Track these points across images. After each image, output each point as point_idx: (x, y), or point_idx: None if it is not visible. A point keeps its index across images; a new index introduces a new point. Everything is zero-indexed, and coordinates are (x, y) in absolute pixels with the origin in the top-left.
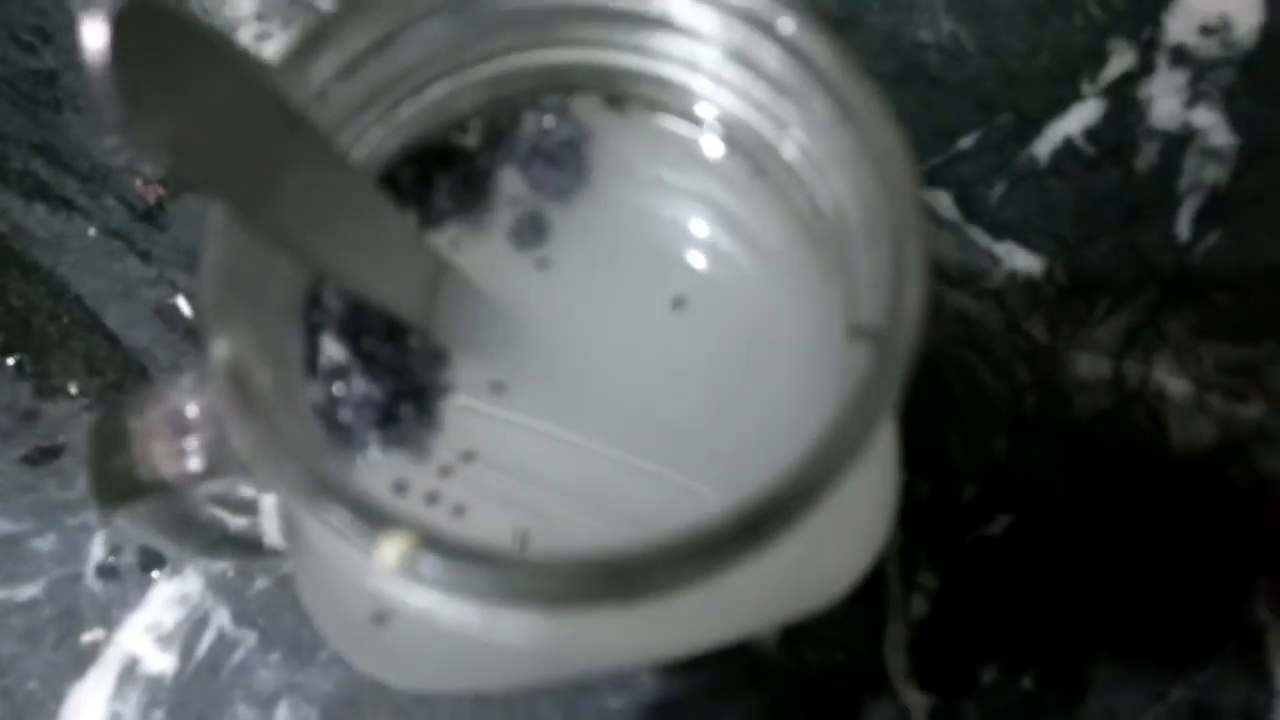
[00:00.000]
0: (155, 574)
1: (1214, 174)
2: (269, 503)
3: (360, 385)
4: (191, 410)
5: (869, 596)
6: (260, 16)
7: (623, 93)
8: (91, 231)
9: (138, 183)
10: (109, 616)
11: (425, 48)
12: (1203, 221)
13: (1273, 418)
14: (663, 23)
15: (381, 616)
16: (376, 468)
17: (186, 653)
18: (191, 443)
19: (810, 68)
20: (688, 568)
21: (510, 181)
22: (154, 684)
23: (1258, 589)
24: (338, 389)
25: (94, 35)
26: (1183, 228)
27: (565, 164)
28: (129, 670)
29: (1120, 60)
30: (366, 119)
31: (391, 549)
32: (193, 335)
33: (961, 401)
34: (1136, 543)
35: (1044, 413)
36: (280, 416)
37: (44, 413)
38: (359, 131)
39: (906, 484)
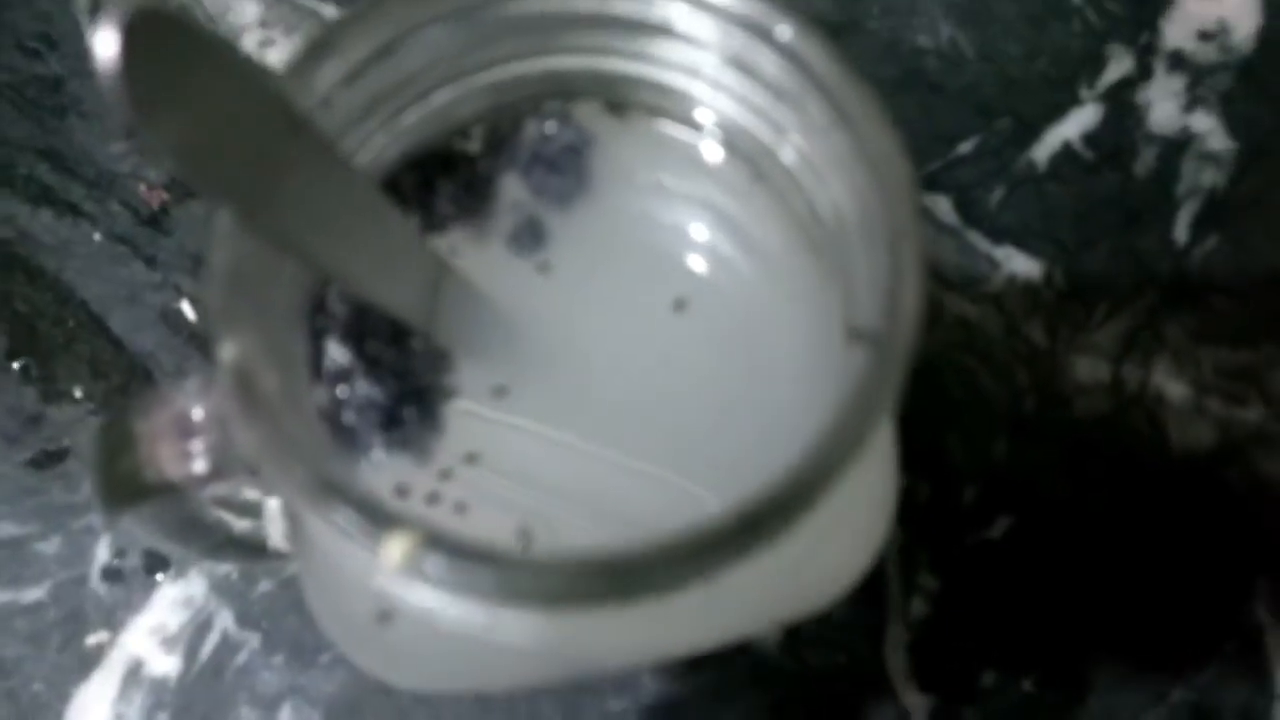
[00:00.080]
0: (159, 577)
1: (1212, 178)
2: (273, 506)
3: (364, 388)
4: (197, 413)
5: (869, 598)
6: (264, 23)
7: (623, 99)
8: (97, 236)
9: (142, 188)
10: (113, 619)
11: (428, 55)
12: (1201, 226)
13: (1271, 421)
14: (663, 30)
15: (385, 616)
16: (380, 469)
17: (190, 655)
18: (197, 445)
19: (807, 73)
20: (688, 567)
21: (512, 187)
22: (158, 686)
23: (1257, 591)
24: (342, 392)
25: (106, 44)
26: (1181, 232)
27: (566, 169)
28: (133, 672)
29: (1118, 65)
30: (370, 125)
31: (395, 548)
32: (197, 340)
33: (961, 404)
34: (1136, 545)
35: (1043, 416)
36: (286, 418)
37: (49, 417)
38: (363, 137)
39: (907, 486)
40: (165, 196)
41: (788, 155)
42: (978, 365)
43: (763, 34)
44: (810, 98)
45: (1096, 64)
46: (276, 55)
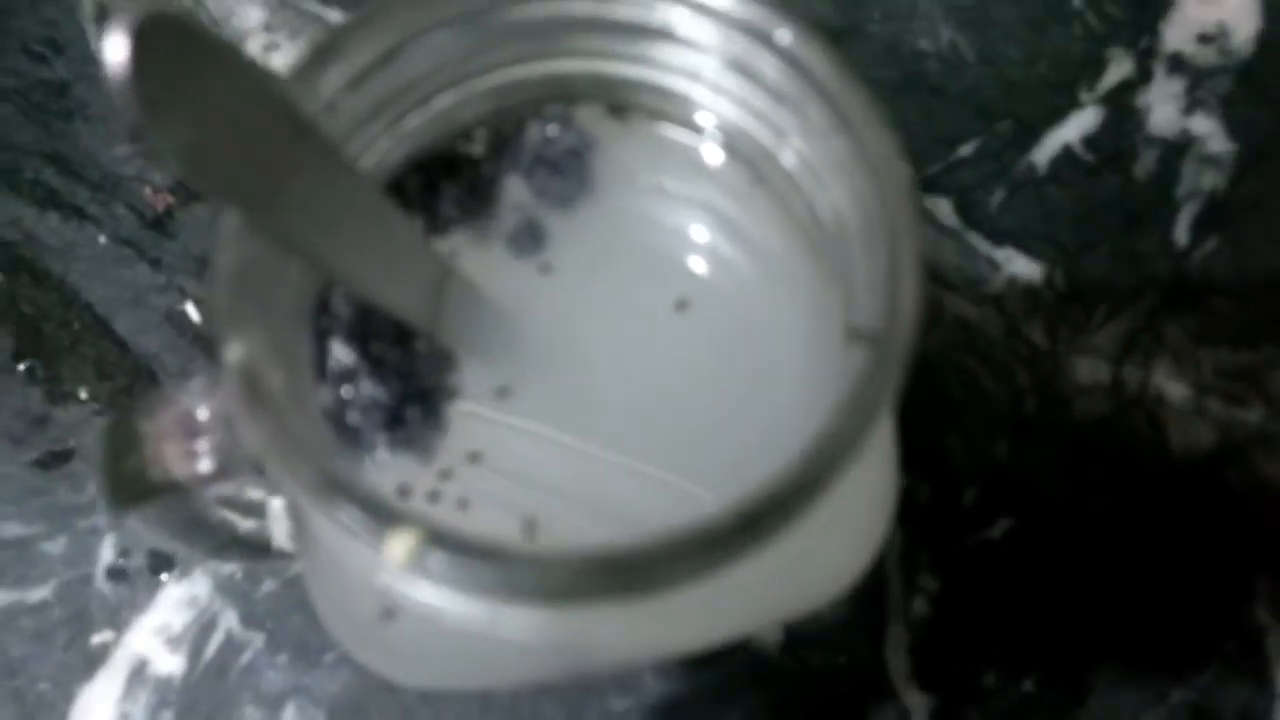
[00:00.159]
0: (164, 577)
1: (1212, 180)
2: (277, 506)
3: (368, 388)
4: (202, 413)
5: (870, 598)
6: (268, 28)
7: (625, 102)
8: (102, 239)
9: (147, 191)
10: (118, 618)
11: (432, 59)
12: (1201, 228)
13: (1271, 422)
14: (664, 34)
15: (389, 613)
16: (384, 469)
17: (195, 654)
18: (202, 444)
19: (807, 77)
20: (689, 564)
21: (515, 189)
22: (163, 685)
23: (1257, 591)
24: (346, 392)
25: (116, 48)
26: (1181, 234)
27: (569, 172)
28: (138, 671)
29: (1118, 69)
30: (374, 128)
31: (399, 544)
32: (201, 341)
33: (962, 405)
34: (1136, 546)
35: (1044, 417)
36: (291, 416)
37: (55, 418)
38: (367, 141)
39: (908, 487)
40: (170, 200)
41: (788, 158)
42: (978, 366)
43: (763, 38)
44: (810, 101)
45: (1097, 67)
46: (281, 60)
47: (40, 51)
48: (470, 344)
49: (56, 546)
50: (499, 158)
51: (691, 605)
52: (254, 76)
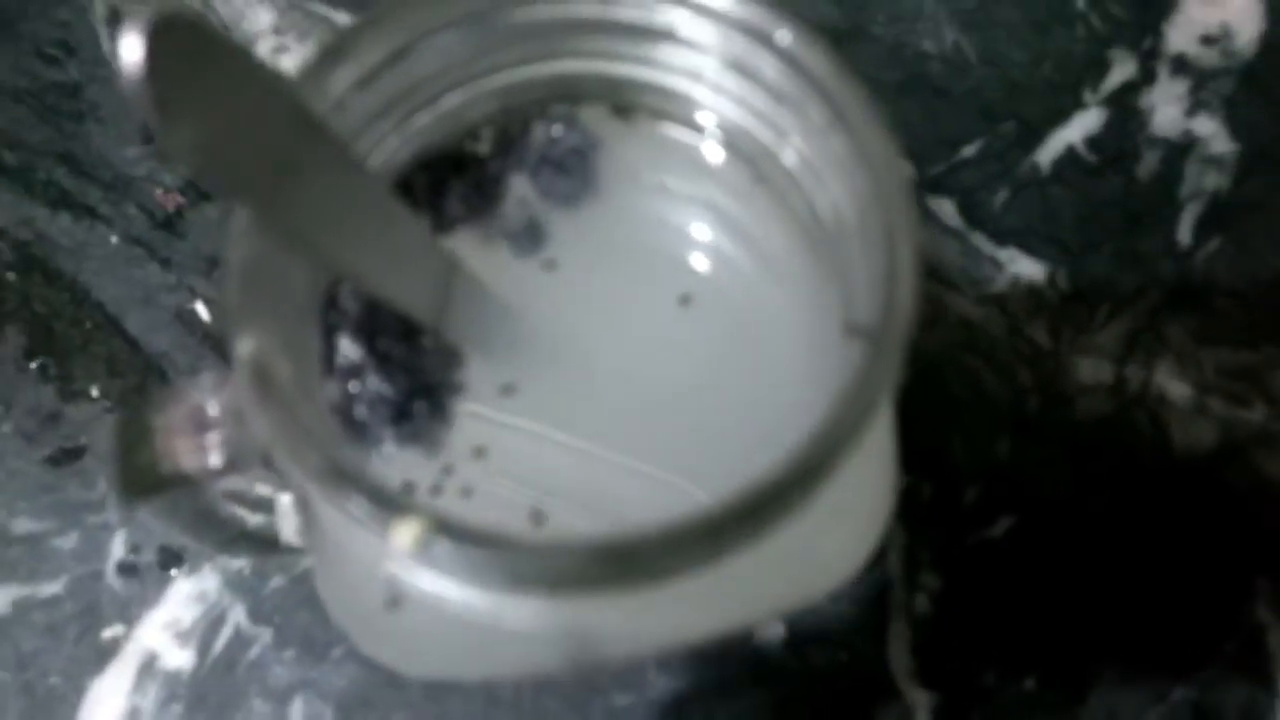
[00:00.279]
0: (174, 572)
1: (1215, 181)
2: (285, 502)
3: (375, 383)
4: (212, 408)
5: (872, 597)
6: (278, 30)
7: (628, 102)
8: (113, 239)
9: (158, 192)
10: (129, 613)
11: (439, 60)
12: (1203, 228)
13: (1273, 422)
14: (666, 35)
15: (394, 602)
16: (390, 462)
17: (204, 649)
18: (212, 439)
19: (807, 77)
20: (690, 553)
21: (520, 188)
22: (172, 679)
23: (1258, 590)
24: (353, 387)
25: (131, 49)
26: (1184, 234)
27: (573, 171)
28: (148, 665)
29: (1121, 70)
30: (383, 127)
31: (405, 532)
32: (211, 340)
33: (964, 404)
34: (1138, 544)
35: (1046, 416)
36: (300, 408)
37: (66, 415)
38: (375, 139)
39: (910, 485)
40: (180, 200)
41: (788, 157)
42: (981, 365)
43: (763, 39)
44: (810, 101)
45: (1100, 68)
46: (290, 61)
47: (53, 54)
48: (476, 340)
49: (68, 542)
50: (505, 157)
51: (693, 595)
52: (264, 77)
